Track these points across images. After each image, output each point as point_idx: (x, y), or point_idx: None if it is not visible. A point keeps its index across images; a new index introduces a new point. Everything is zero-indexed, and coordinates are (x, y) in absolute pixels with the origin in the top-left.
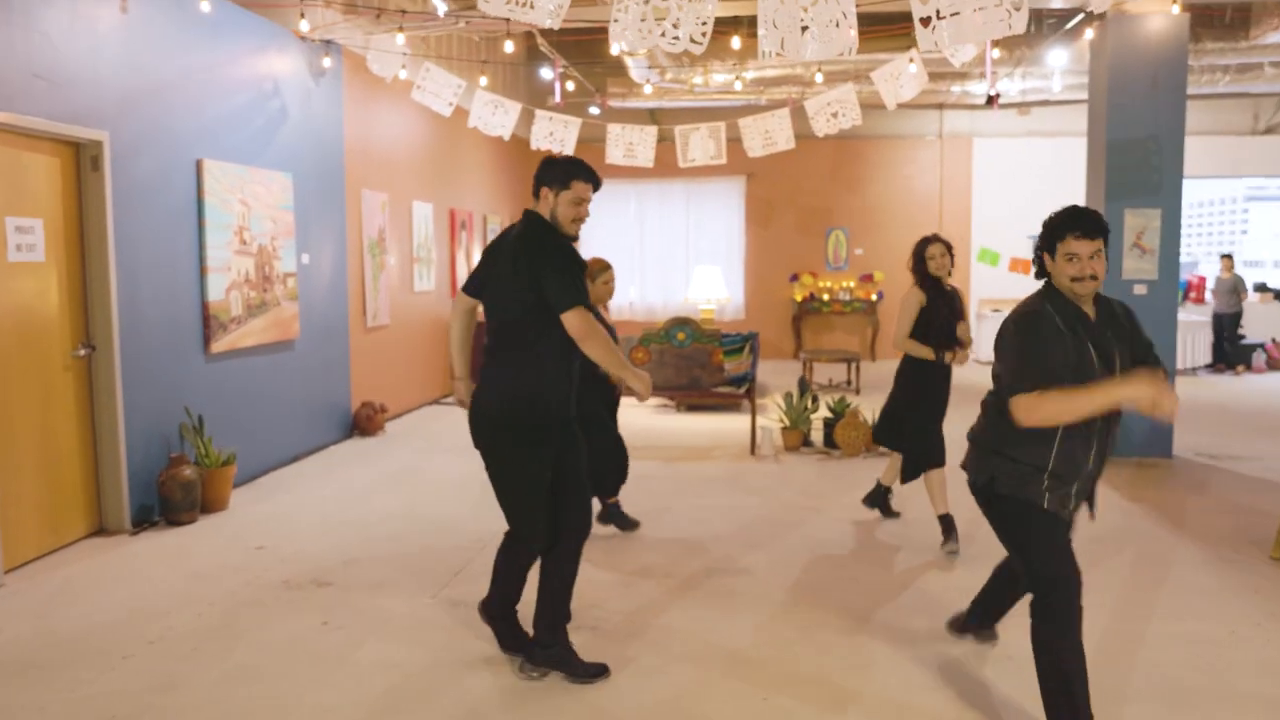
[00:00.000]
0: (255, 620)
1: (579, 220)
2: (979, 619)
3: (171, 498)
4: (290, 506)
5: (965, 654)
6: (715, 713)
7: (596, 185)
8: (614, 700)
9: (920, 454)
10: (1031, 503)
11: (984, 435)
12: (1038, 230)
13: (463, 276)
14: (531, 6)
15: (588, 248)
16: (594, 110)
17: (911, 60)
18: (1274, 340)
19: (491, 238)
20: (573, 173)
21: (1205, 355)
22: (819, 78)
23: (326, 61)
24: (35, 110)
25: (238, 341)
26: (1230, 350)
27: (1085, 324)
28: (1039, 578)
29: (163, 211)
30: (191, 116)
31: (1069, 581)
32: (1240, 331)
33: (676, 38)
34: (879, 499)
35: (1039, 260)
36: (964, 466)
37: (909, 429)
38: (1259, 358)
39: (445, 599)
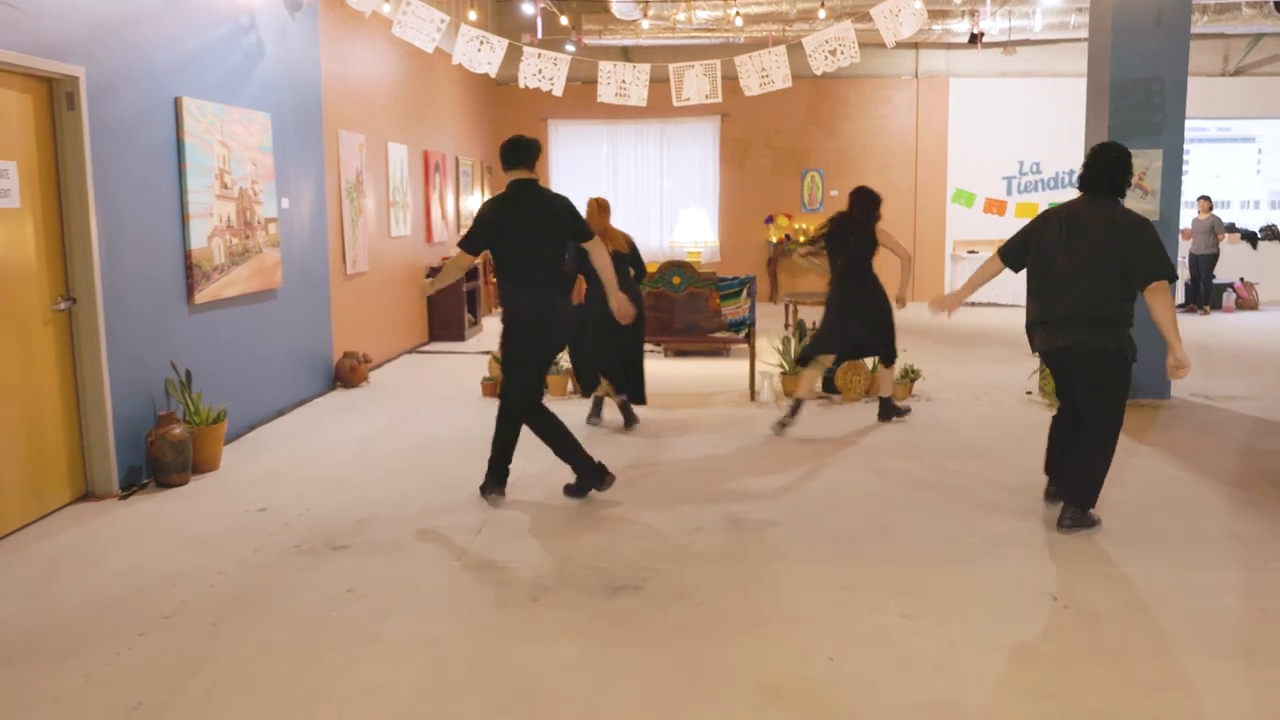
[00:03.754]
0: (273, 590)
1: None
2: (1058, 479)
3: (162, 458)
4: (285, 465)
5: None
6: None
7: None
8: (697, 662)
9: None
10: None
11: (1116, 315)
12: (1014, 171)
13: (438, 221)
14: None
15: (560, 188)
16: (570, 48)
17: None
18: (1241, 280)
19: (464, 180)
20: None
21: (1179, 296)
22: (822, 14)
23: None
24: (4, 42)
25: (221, 291)
26: (1204, 291)
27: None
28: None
29: (142, 154)
30: (169, 51)
31: None
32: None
33: None
34: (888, 410)
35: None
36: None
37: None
38: (1228, 298)
39: (471, 562)
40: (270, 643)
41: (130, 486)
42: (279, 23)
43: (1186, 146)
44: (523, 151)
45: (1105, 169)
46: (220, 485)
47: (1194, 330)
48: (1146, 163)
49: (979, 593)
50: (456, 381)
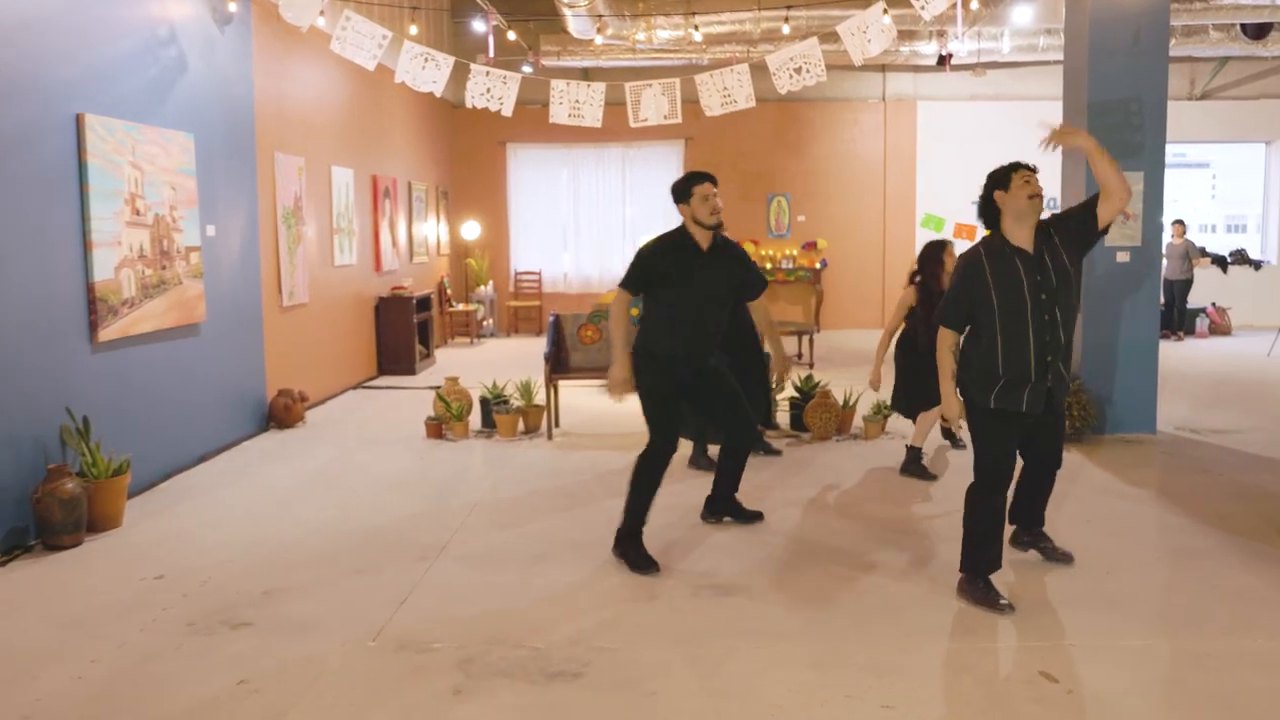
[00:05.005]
0: (151, 684)
1: (715, 211)
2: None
3: (50, 517)
4: (197, 520)
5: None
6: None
7: (713, 182)
8: None
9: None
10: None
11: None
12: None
13: (387, 248)
14: None
15: (519, 217)
16: (527, 69)
17: (886, 10)
18: (1214, 305)
19: (417, 206)
20: (690, 181)
21: None
22: (786, 29)
23: (232, 6)
24: None
25: (131, 327)
26: (1179, 317)
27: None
28: None
29: (31, 175)
30: (70, 62)
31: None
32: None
33: None
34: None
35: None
36: None
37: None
38: (1202, 323)
39: (389, 641)
40: None
41: (13, 550)
42: (205, 36)
43: None
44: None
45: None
46: (117, 547)
47: (1171, 358)
48: None
49: (967, 673)
50: (400, 421)
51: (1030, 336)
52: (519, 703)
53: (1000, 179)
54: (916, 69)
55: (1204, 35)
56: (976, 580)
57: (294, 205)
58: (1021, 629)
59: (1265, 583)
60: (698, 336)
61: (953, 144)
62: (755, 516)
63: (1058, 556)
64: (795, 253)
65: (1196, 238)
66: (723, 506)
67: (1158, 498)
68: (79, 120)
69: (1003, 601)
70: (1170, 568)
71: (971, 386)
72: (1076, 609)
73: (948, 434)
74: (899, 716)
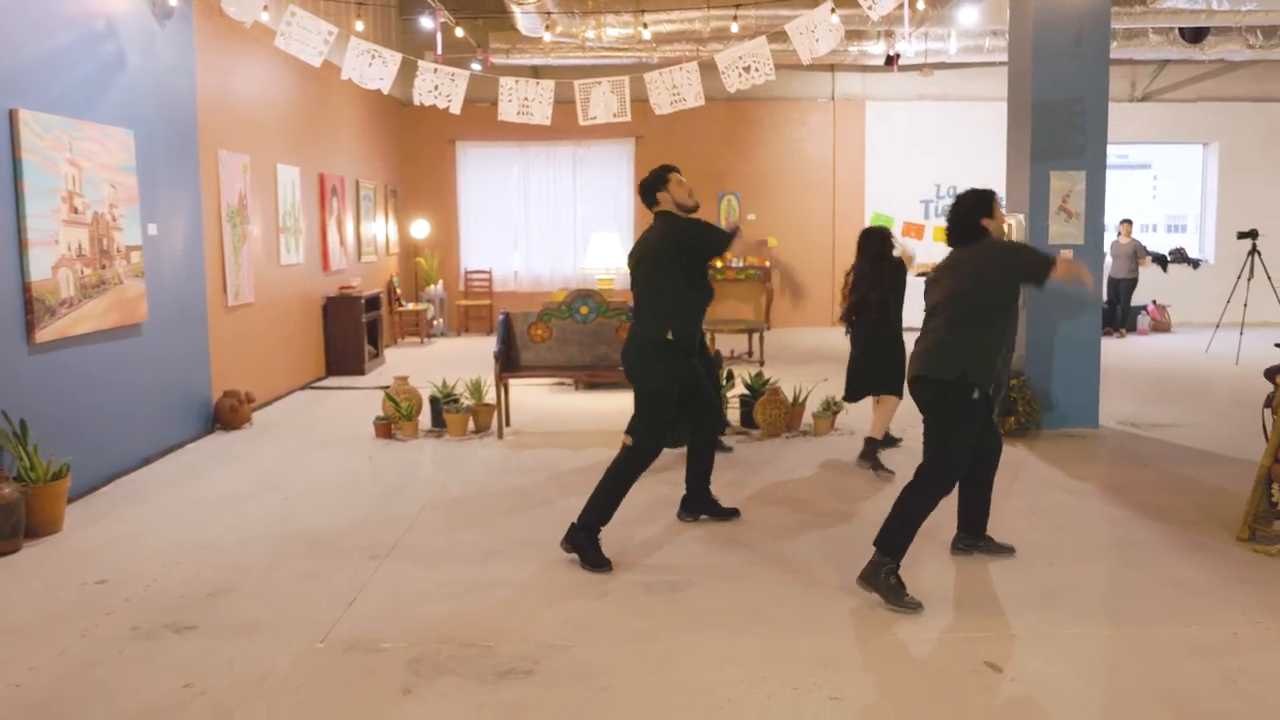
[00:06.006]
0: (93, 690)
1: (692, 193)
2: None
3: None
4: (139, 524)
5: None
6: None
7: (677, 169)
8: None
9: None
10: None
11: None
12: (931, 194)
13: (334, 247)
14: None
15: (470, 216)
16: (475, 66)
17: (834, 10)
18: (1154, 303)
19: (366, 205)
20: (662, 173)
21: None
22: (734, 28)
23: (173, 1)
24: None
25: (70, 328)
26: (1122, 315)
27: None
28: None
29: None
30: (2, 58)
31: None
32: None
33: None
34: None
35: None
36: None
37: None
38: (1143, 320)
39: (337, 642)
40: None
41: None
42: (144, 32)
43: None
44: (642, 190)
45: (954, 226)
46: (58, 552)
47: (1113, 354)
48: (1070, 185)
49: (912, 664)
50: (349, 422)
51: (1006, 338)
52: (469, 701)
53: (987, 208)
54: (865, 69)
55: (1144, 38)
56: (895, 569)
57: (239, 203)
58: (966, 621)
59: (1201, 572)
60: (700, 314)
61: (902, 143)
62: (732, 514)
63: (998, 549)
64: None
65: (1138, 238)
66: (699, 505)
67: (1099, 491)
68: (12, 116)
69: (911, 599)
70: (1110, 559)
71: (974, 372)
72: (1020, 601)
73: (871, 458)
74: (846, 708)
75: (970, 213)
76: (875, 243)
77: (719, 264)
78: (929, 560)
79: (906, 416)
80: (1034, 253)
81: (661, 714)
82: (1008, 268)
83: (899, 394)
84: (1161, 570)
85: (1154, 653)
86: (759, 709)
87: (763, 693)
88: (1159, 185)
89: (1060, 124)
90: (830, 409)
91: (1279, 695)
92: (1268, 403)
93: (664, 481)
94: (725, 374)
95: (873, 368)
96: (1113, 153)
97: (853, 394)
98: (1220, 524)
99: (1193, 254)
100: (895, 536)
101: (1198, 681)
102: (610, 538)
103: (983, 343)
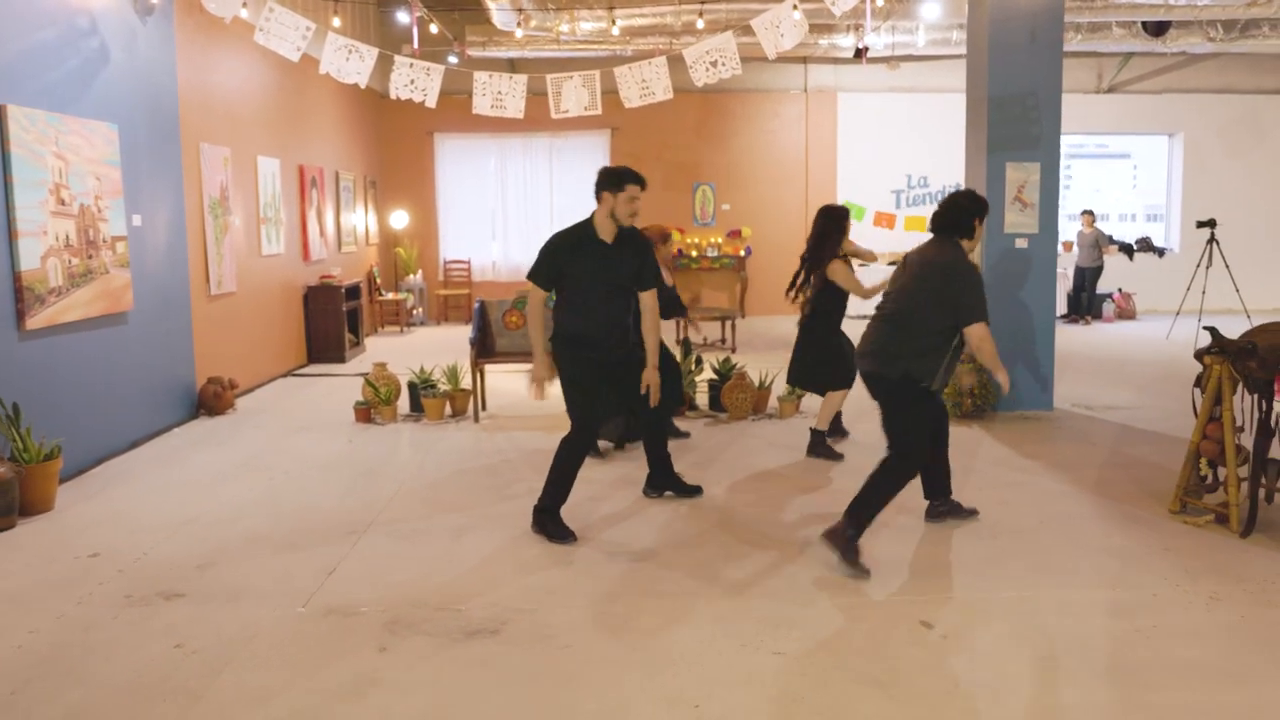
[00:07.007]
0: (91, 649)
1: (634, 215)
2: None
3: None
4: (128, 503)
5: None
6: None
7: (643, 185)
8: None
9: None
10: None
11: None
12: (902, 184)
13: (315, 238)
14: None
15: (448, 206)
16: (452, 59)
17: (796, 7)
18: (1120, 291)
19: (345, 196)
20: (625, 177)
21: (1061, 306)
22: (700, 23)
23: None
24: None
25: (59, 316)
26: (1087, 302)
27: None
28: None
29: None
30: None
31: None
32: None
33: None
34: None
35: (969, 222)
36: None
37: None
38: (1109, 308)
39: (318, 607)
40: (76, 711)
41: None
42: (126, 27)
43: (1068, 162)
44: (597, 181)
45: (946, 213)
46: (51, 528)
47: (1076, 341)
48: (1025, 175)
49: (854, 623)
50: (330, 407)
51: (952, 342)
52: (440, 657)
53: (982, 216)
54: (836, 61)
55: (1108, 31)
56: (855, 537)
57: (220, 195)
58: (909, 586)
59: (1131, 540)
60: (608, 322)
61: (873, 135)
62: (695, 490)
63: (966, 513)
64: (720, 240)
65: (1117, 227)
66: (663, 482)
67: (1046, 469)
68: (1, 111)
69: (862, 566)
70: (1049, 530)
71: (916, 372)
72: (961, 569)
73: (818, 449)
74: (786, 661)
75: (968, 211)
76: (825, 219)
77: (694, 254)
78: (899, 531)
79: (860, 408)
80: (982, 303)
81: (615, 668)
82: (954, 301)
83: (837, 389)
84: (1094, 540)
85: (1076, 611)
86: (706, 664)
87: (712, 650)
88: (1139, 175)
89: (1015, 116)
90: (795, 392)
91: (1186, 648)
92: (1197, 382)
93: (630, 459)
94: (695, 359)
95: (803, 367)
96: (1092, 143)
97: (791, 381)
98: (1155, 497)
99: (1160, 243)
100: (861, 510)
101: (1113, 637)
102: (577, 513)
103: (923, 345)
